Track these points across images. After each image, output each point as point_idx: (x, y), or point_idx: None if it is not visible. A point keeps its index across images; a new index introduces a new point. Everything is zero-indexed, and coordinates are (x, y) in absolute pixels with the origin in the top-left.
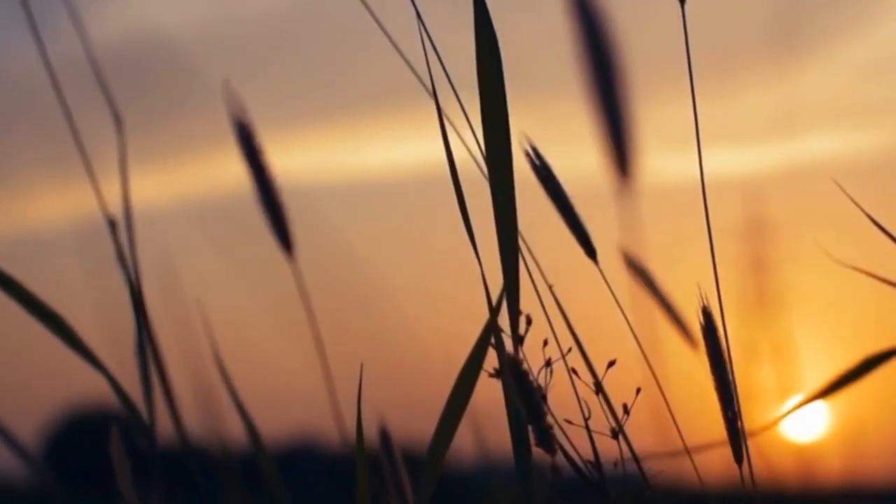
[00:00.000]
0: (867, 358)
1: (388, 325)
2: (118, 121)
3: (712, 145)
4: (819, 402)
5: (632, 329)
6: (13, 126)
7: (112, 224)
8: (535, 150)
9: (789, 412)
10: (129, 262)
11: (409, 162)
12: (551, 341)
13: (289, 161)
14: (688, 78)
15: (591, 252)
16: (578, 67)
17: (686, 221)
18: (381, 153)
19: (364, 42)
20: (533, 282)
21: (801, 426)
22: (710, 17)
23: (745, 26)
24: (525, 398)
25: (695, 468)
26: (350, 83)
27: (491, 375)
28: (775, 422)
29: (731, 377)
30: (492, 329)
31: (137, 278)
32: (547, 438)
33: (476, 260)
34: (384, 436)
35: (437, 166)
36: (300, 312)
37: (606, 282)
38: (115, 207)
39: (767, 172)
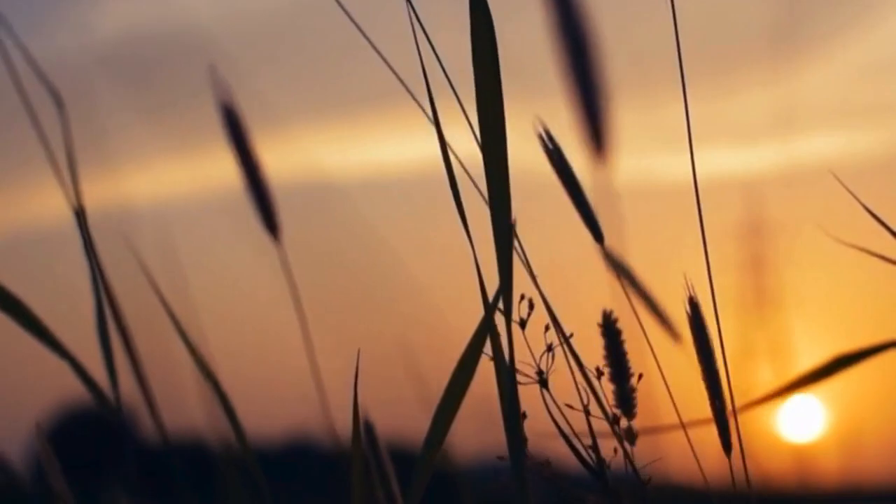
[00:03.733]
0: (867, 348)
1: (410, 320)
2: (60, 104)
3: (712, 145)
4: (816, 402)
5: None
6: (16, 120)
7: (79, 215)
8: (548, 133)
9: (782, 392)
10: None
11: (422, 157)
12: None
13: (303, 156)
14: (679, 75)
15: (598, 236)
16: (552, 41)
17: (685, 221)
18: (394, 148)
19: (365, 39)
20: (533, 277)
21: (799, 427)
22: (710, 16)
23: (745, 26)
24: (615, 358)
25: (698, 464)
26: (359, 79)
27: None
28: (766, 398)
29: (718, 367)
30: (489, 321)
31: (99, 264)
32: (628, 401)
33: (473, 255)
34: (368, 430)
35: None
36: (306, 307)
37: (614, 266)
38: (124, 199)
39: (767, 172)
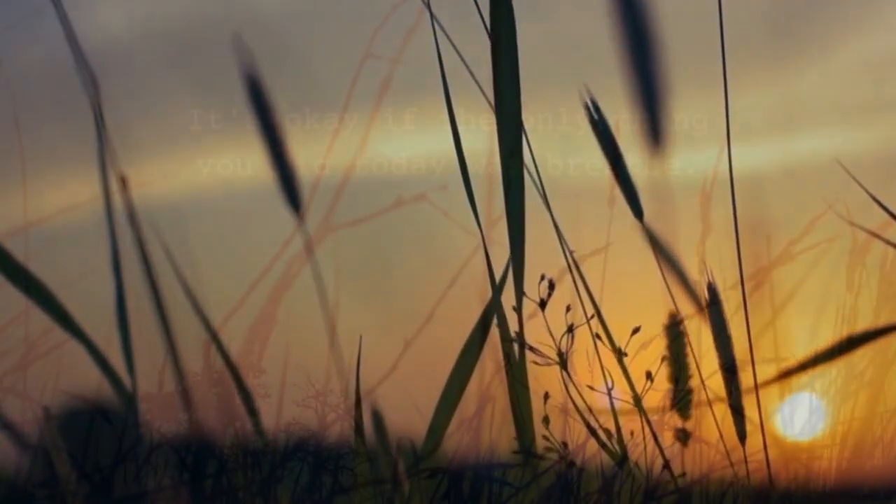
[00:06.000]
0: (875, 329)
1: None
2: (95, 84)
3: (712, 144)
4: (816, 401)
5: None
6: (40, 115)
7: (123, 183)
8: (594, 102)
9: (794, 372)
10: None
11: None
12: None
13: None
14: (721, 67)
15: (638, 211)
16: (617, 38)
17: (684, 220)
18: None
19: (366, 38)
20: (567, 253)
21: (799, 426)
22: (709, 15)
23: (745, 24)
24: (675, 360)
25: (725, 448)
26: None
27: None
28: (780, 376)
29: (734, 354)
30: (494, 304)
31: (116, 251)
32: (685, 402)
33: (482, 241)
34: (377, 419)
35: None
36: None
37: (654, 243)
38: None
39: (767, 172)
